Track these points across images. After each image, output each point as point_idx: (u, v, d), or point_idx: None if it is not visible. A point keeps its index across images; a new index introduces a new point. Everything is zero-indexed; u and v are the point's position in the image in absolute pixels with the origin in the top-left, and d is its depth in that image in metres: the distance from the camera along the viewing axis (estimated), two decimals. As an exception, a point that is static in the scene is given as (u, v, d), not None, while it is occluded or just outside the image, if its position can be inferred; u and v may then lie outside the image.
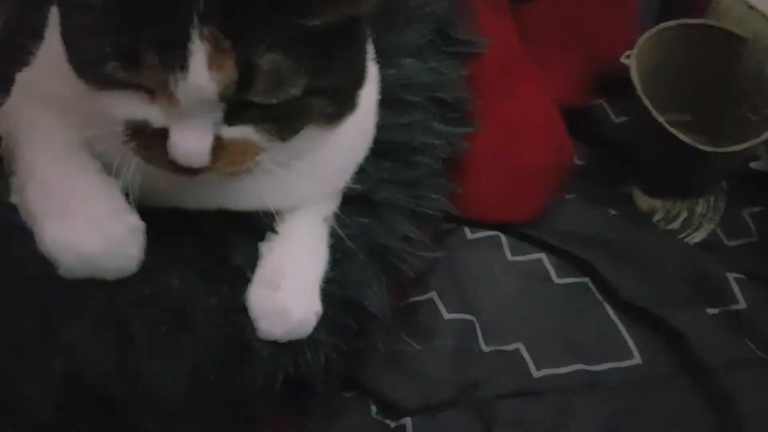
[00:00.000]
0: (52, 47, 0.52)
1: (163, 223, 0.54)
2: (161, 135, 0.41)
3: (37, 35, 0.56)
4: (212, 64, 0.38)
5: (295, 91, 0.41)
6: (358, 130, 0.60)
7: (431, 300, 0.81)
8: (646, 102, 0.87)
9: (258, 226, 0.58)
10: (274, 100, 0.41)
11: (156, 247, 0.53)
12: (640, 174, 1.00)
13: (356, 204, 0.62)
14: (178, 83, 0.38)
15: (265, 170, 0.47)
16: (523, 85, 0.90)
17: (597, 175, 0.97)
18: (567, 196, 0.93)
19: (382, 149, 0.62)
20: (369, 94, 0.59)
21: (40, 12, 0.56)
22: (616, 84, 1.01)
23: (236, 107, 0.41)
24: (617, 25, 1.05)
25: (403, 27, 0.69)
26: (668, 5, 1.15)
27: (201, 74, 0.38)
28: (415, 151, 0.65)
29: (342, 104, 0.48)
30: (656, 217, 0.97)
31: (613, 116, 1.06)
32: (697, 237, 0.96)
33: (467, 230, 0.88)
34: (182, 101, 0.39)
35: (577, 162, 0.96)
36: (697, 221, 0.97)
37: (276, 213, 0.57)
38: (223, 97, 0.40)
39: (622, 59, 1.08)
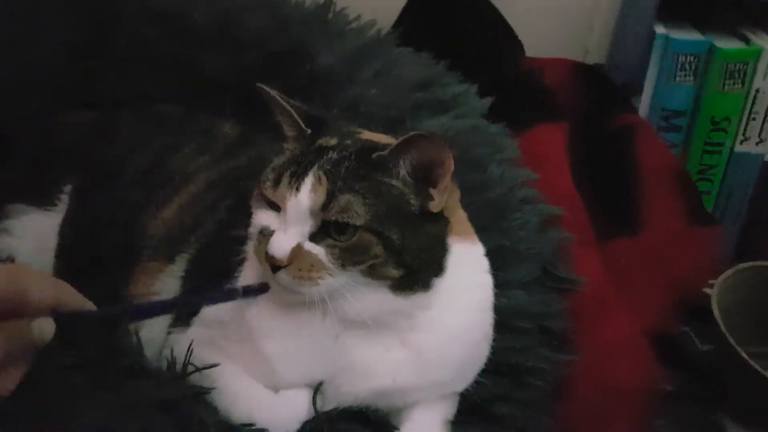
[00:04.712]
0: None
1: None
2: (269, 237, 0.62)
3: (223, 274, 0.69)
4: (312, 190, 0.60)
5: (358, 221, 0.59)
6: (478, 334, 0.69)
7: None
8: (730, 339, 0.95)
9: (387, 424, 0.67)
10: (341, 219, 0.60)
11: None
12: (728, 402, 1.05)
13: (476, 416, 0.70)
14: (291, 199, 0.61)
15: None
16: (613, 315, 1.00)
17: (688, 401, 1.03)
18: (659, 422, 0.99)
19: (499, 369, 0.72)
20: (484, 298, 0.70)
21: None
22: (701, 312, 1.10)
23: (319, 232, 0.61)
24: (699, 258, 1.16)
25: (514, 265, 0.82)
26: (744, 246, 1.27)
27: (305, 195, 0.60)
28: (528, 373, 0.74)
29: (410, 275, 0.63)
30: (747, 447, 1.00)
31: (699, 344, 1.14)
32: (790, 470, 0.97)
33: (557, 445, 0.94)
34: (288, 211, 0.61)
35: (668, 388, 1.03)
36: (788, 454, 0.99)
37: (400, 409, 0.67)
38: (312, 213, 0.60)
39: (705, 290, 1.18)
